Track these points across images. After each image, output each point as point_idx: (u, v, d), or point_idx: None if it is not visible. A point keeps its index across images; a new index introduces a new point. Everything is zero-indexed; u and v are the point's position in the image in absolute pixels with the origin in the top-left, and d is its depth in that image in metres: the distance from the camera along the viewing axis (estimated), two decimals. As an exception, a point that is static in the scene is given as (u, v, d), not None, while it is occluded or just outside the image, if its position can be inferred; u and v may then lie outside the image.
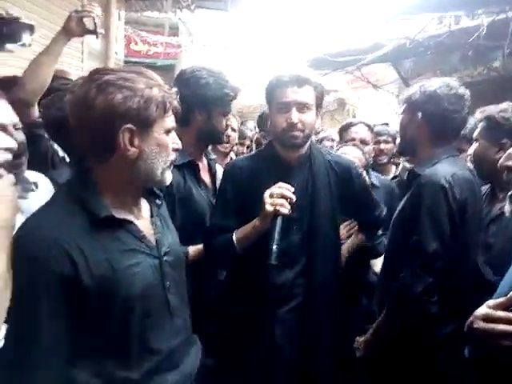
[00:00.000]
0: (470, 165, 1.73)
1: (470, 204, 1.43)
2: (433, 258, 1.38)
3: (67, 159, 1.87)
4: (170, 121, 1.00)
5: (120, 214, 0.98)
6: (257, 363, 1.43)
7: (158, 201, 1.11)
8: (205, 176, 1.74)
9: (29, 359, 0.87)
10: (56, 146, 1.97)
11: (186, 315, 1.10)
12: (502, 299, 0.88)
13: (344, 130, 2.49)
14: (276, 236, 1.33)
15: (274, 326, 1.44)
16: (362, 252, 1.90)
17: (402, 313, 1.43)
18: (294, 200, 1.36)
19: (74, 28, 1.63)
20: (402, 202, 1.58)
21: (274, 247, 1.32)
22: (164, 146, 0.99)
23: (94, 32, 1.68)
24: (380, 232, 1.95)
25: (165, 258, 1.03)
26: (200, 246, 1.60)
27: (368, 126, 2.46)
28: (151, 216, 1.08)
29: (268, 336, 1.43)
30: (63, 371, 0.89)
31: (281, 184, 1.37)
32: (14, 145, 1.04)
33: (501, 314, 0.86)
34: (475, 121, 1.76)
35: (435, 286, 1.37)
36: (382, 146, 2.64)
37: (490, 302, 0.89)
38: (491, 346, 0.87)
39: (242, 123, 3.62)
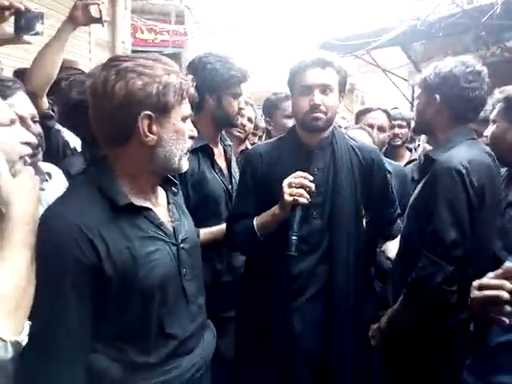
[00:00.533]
0: (488, 148, 1.69)
1: (488, 190, 1.38)
2: (452, 247, 1.33)
3: (79, 150, 1.88)
4: (186, 108, 1.00)
5: (138, 202, 0.98)
6: (274, 354, 1.42)
7: (174, 188, 1.12)
8: (220, 161, 1.74)
9: (53, 343, 0.88)
10: (67, 138, 1.98)
11: (202, 301, 1.10)
12: (499, 270, 0.90)
13: (362, 114, 2.46)
14: (295, 226, 1.31)
15: (292, 315, 1.43)
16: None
17: (421, 302, 1.40)
18: (314, 189, 1.35)
19: (79, 16, 1.61)
20: (419, 188, 1.54)
21: (294, 238, 1.31)
22: (181, 132, 0.99)
23: (99, 20, 1.65)
24: (396, 213, 1.92)
25: (182, 245, 1.04)
26: (212, 229, 1.61)
27: (386, 112, 2.43)
28: (168, 203, 1.08)
29: (286, 326, 1.42)
30: (86, 356, 0.91)
31: (299, 173, 1.35)
32: (33, 139, 1.04)
33: (492, 281, 0.89)
34: (493, 101, 1.70)
35: (455, 275, 1.34)
36: (397, 130, 2.60)
37: (490, 274, 0.90)
38: (484, 314, 0.89)
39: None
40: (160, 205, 1.06)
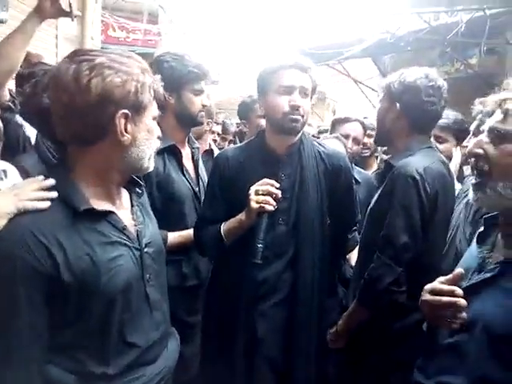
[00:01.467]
0: (443, 157, 1.74)
1: (440, 197, 1.44)
2: (403, 250, 1.38)
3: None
4: (155, 108, 1.00)
5: (100, 205, 0.95)
6: (237, 358, 1.41)
7: (138, 190, 1.08)
8: (187, 163, 1.72)
9: (6, 355, 0.84)
10: (28, 133, 1.89)
11: (165, 308, 1.08)
12: (450, 275, 0.93)
13: (339, 123, 2.48)
14: (261, 234, 1.32)
15: (256, 320, 1.42)
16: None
17: (371, 302, 1.45)
18: (280, 196, 1.35)
19: (47, 8, 1.53)
20: (377, 194, 1.59)
21: (259, 245, 1.31)
22: (152, 132, 0.98)
23: (69, 14, 1.58)
24: (355, 221, 1.95)
25: (145, 249, 1.01)
26: (182, 233, 1.59)
27: (362, 124, 2.46)
28: (132, 206, 1.05)
29: (249, 331, 1.41)
30: (40, 367, 0.87)
31: (266, 180, 1.35)
32: None
33: (445, 287, 0.91)
34: (474, 114, 1.78)
35: (405, 277, 1.39)
36: (366, 139, 2.65)
37: (441, 278, 0.94)
38: (435, 317, 0.93)
39: (225, 118, 3.56)
40: (124, 207, 1.02)
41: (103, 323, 0.92)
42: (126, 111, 0.91)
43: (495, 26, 4.08)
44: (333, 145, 2.07)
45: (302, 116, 1.41)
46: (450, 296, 0.89)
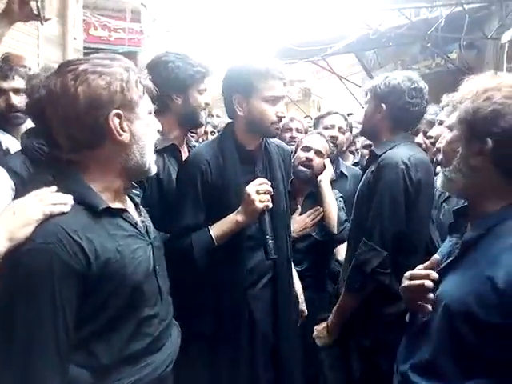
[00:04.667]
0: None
1: (423, 184, 1.52)
2: (388, 235, 1.48)
3: (11, 151, 1.79)
4: (148, 102, 1.01)
5: (114, 204, 0.99)
6: (239, 340, 1.48)
7: (136, 191, 1.13)
8: None
9: (39, 354, 0.84)
10: None
11: (170, 299, 1.12)
12: (427, 262, 1.00)
13: (322, 117, 2.58)
14: (268, 230, 1.40)
15: (251, 303, 1.50)
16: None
17: (360, 286, 1.51)
18: (272, 193, 1.43)
19: (16, 12, 1.49)
20: (361, 183, 1.67)
21: (270, 242, 1.40)
22: (150, 126, 1.01)
23: (38, 17, 1.53)
24: (344, 218, 2.01)
25: (154, 243, 1.07)
26: None
27: (344, 116, 2.58)
28: (135, 205, 1.10)
29: (247, 313, 1.49)
30: (66, 363, 0.88)
31: (261, 180, 1.42)
32: None
33: (420, 271, 0.99)
34: (443, 105, 1.88)
35: (390, 260, 1.47)
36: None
37: (420, 266, 1.01)
38: (412, 301, 1.00)
39: (209, 114, 3.57)
40: (130, 206, 1.07)
41: (124, 313, 0.95)
42: (117, 111, 0.93)
43: (474, 21, 4.18)
44: (316, 140, 2.13)
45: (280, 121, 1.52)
46: (425, 279, 0.95)
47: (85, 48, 6.00)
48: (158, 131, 1.05)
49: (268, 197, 1.39)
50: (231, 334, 1.48)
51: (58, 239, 0.85)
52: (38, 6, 1.50)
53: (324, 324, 1.64)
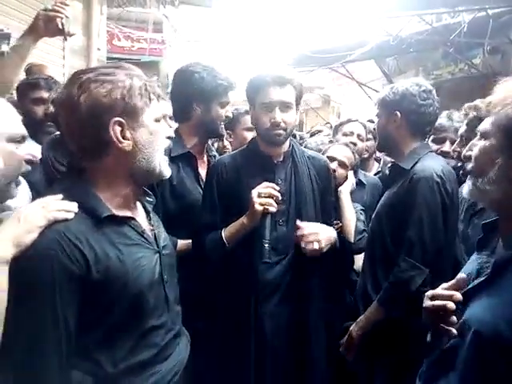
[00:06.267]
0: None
1: (455, 195, 1.51)
2: (430, 251, 1.45)
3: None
4: (157, 109, 1.00)
5: (120, 212, 0.98)
6: (247, 357, 1.45)
7: (149, 198, 1.13)
8: (202, 172, 1.73)
9: (38, 354, 0.84)
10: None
11: (179, 308, 1.11)
12: (452, 281, 0.93)
13: (342, 125, 2.57)
14: (267, 234, 1.38)
15: (264, 319, 1.46)
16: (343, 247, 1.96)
17: (398, 305, 1.46)
18: (280, 198, 1.41)
19: (41, 28, 1.54)
20: (388, 196, 1.63)
21: (266, 246, 1.37)
22: (157, 133, 0.99)
23: (63, 33, 1.58)
24: (362, 227, 1.97)
25: (163, 252, 1.05)
26: (188, 242, 1.60)
27: (363, 125, 2.56)
28: (147, 212, 1.10)
29: (258, 330, 1.46)
30: (67, 368, 0.88)
31: (267, 183, 1.41)
32: (36, 159, 1.06)
33: (444, 292, 0.92)
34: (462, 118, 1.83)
35: (430, 277, 1.43)
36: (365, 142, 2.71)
37: (444, 285, 0.94)
38: (433, 323, 0.93)
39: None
40: (139, 214, 1.07)
41: (127, 322, 0.94)
42: (118, 118, 0.92)
43: (498, 26, 4.08)
44: (341, 150, 2.11)
45: (285, 129, 1.48)
46: (448, 301, 0.89)
47: (108, 58, 6.16)
48: (170, 138, 1.04)
49: (270, 200, 1.38)
50: (236, 345, 1.46)
51: (59, 245, 0.86)
52: (62, 23, 1.55)
53: (347, 336, 1.60)
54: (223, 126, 1.76)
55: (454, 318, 0.89)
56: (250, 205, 1.39)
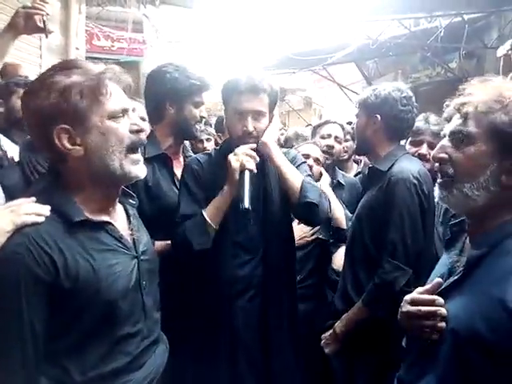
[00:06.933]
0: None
1: (431, 197, 1.54)
2: (412, 252, 1.48)
3: (16, 159, 1.80)
4: (112, 104, 0.91)
5: (96, 216, 0.94)
6: (219, 353, 1.46)
7: (131, 201, 1.09)
8: (179, 172, 1.70)
9: (4, 360, 0.83)
10: (5, 147, 1.88)
11: (158, 315, 1.08)
12: (428, 285, 0.94)
13: (319, 126, 2.59)
14: (246, 196, 1.34)
15: (235, 316, 1.48)
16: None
17: (382, 306, 1.48)
18: (257, 158, 1.41)
19: (20, 25, 1.51)
20: (367, 198, 1.65)
21: (246, 205, 1.33)
22: (110, 132, 0.91)
23: (43, 30, 1.56)
24: (349, 214, 2.01)
25: (141, 257, 1.02)
26: (164, 243, 1.58)
27: (341, 125, 2.59)
28: (128, 216, 1.06)
29: (229, 326, 1.47)
30: (36, 375, 0.86)
31: (242, 146, 1.42)
32: None
33: (425, 297, 0.92)
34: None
35: (413, 278, 1.46)
36: (343, 144, 2.73)
37: (419, 289, 0.95)
38: (417, 327, 0.92)
39: (205, 123, 3.62)
40: (119, 218, 1.03)
41: (99, 330, 0.91)
42: (62, 126, 0.88)
43: (473, 31, 4.20)
44: (310, 149, 2.15)
45: (256, 137, 1.48)
46: (431, 306, 0.89)
47: (87, 58, 6.04)
48: (139, 131, 0.96)
49: (247, 158, 1.39)
50: (210, 342, 1.46)
51: (26, 249, 0.83)
52: (43, 20, 1.51)
53: (331, 331, 1.62)
54: (198, 128, 1.74)
55: (443, 324, 0.87)
56: (227, 168, 1.39)
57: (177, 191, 1.65)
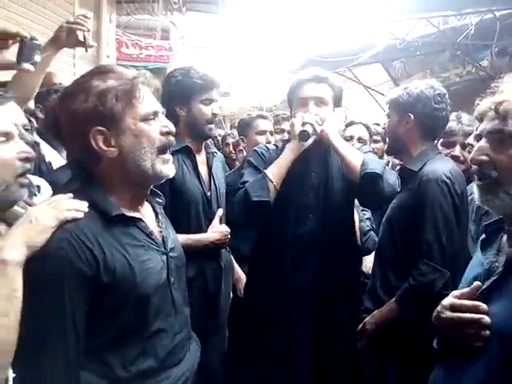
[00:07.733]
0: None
1: (464, 196, 1.53)
2: (448, 253, 1.46)
3: (53, 166, 1.87)
4: (144, 107, 0.95)
5: (129, 213, 0.98)
6: (276, 350, 1.52)
7: (159, 199, 1.13)
8: (201, 168, 1.76)
9: (47, 355, 0.85)
10: (43, 151, 1.97)
11: (187, 311, 1.11)
12: (466, 289, 0.91)
13: (345, 127, 2.57)
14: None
15: (293, 316, 1.53)
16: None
17: (417, 308, 1.44)
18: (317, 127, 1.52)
19: (63, 39, 1.59)
20: (398, 199, 1.63)
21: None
22: (143, 135, 0.95)
23: (83, 44, 1.63)
24: (366, 228, 1.98)
25: (170, 254, 1.05)
26: (188, 236, 1.59)
27: (366, 126, 2.57)
28: (156, 214, 1.09)
29: (287, 326, 1.52)
30: (77, 370, 0.88)
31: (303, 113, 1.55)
32: (32, 153, 1.01)
33: (466, 302, 0.88)
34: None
35: (451, 280, 1.44)
36: (373, 145, 2.70)
37: (456, 292, 0.92)
38: (458, 334, 0.89)
39: (230, 127, 3.67)
40: (148, 215, 1.06)
41: (134, 325, 0.94)
42: (98, 127, 0.91)
43: (505, 27, 4.06)
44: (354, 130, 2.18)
45: (315, 124, 1.53)
46: (473, 312, 0.86)
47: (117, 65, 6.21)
48: (169, 133, 1.00)
49: (309, 118, 1.53)
50: (268, 341, 1.52)
51: (69, 244, 0.87)
52: (84, 36, 1.59)
53: (361, 327, 1.62)
54: (211, 127, 1.74)
55: (488, 333, 0.84)
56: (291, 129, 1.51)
57: (200, 186, 1.69)
